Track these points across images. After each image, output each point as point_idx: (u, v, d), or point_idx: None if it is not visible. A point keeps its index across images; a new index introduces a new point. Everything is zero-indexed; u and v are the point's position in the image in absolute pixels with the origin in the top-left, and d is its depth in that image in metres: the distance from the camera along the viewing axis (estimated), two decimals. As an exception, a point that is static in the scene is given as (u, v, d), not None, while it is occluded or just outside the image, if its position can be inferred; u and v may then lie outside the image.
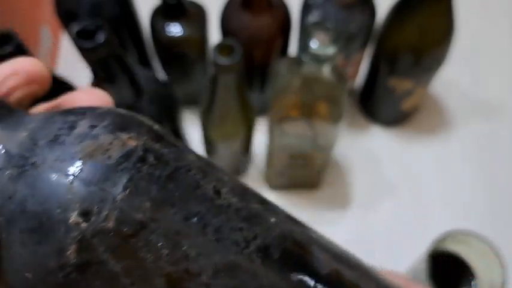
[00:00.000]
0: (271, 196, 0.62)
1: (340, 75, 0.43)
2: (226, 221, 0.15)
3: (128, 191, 0.14)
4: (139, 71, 0.46)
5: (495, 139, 0.66)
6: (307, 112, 0.43)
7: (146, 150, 0.15)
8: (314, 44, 0.37)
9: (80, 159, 0.14)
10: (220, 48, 0.41)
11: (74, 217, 0.14)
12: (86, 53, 0.37)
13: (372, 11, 0.50)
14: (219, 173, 0.17)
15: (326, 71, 0.40)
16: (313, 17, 0.49)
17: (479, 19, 0.75)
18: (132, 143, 0.15)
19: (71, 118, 0.16)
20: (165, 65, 0.60)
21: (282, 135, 0.46)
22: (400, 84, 0.55)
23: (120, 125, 0.16)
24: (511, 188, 0.62)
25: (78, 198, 0.14)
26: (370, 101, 0.65)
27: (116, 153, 0.15)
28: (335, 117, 0.43)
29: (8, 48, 0.40)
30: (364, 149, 0.65)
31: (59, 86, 0.51)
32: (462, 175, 0.63)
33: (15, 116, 0.16)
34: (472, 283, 0.50)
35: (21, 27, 0.53)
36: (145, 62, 0.63)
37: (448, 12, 0.48)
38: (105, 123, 0.16)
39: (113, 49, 0.37)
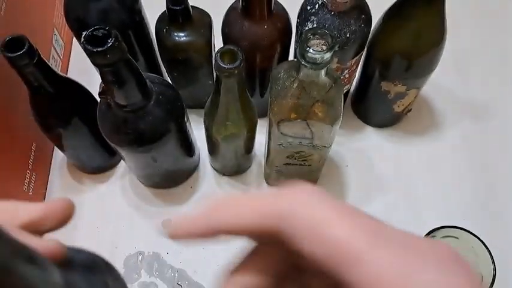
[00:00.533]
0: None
1: (336, 79, 0.44)
2: None
3: None
4: (147, 75, 0.48)
5: (483, 139, 0.68)
6: (305, 114, 0.44)
7: None
8: (311, 50, 0.38)
9: None
10: (223, 53, 0.42)
11: None
12: (95, 58, 0.38)
13: (367, 17, 0.51)
14: None
15: (323, 75, 0.41)
16: (311, 23, 0.50)
17: (469, 23, 0.77)
18: None
19: (104, 278, 0.21)
20: (171, 70, 0.61)
21: (281, 136, 0.47)
22: (393, 88, 0.56)
23: (117, 276, 0.23)
24: (499, 185, 0.64)
25: None
26: (363, 104, 0.66)
27: None
28: (332, 119, 0.44)
29: (20, 53, 0.42)
30: (358, 149, 0.66)
31: (72, 88, 0.53)
32: (452, 173, 0.65)
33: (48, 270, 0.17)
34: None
35: (33, 32, 0.55)
36: (153, 66, 0.64)
37: (440, 17, 0.49)
38: (115, 275, 0.22)
39: (121, 54, 0.39)
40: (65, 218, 0.21)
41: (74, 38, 0.75)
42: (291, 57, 0.59)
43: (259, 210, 0.19)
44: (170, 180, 0.63)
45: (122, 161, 0.66)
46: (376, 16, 0.54)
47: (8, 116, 0.54)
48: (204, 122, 0.53)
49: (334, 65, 0.54)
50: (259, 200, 0.20)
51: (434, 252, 0.18)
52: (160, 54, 0.60)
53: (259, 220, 0.19)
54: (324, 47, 0.38)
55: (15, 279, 0.13)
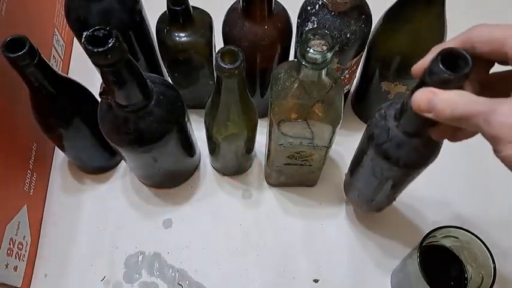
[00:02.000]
0: (271, 193, 0.64)
1: (337, 79, 0.44)
2: None
3: None
4: (148, 75, 0.48)
5: (483, 138, 0.67)
6: (306, 114, 0.44)
7: None
8: (311, 50, 0.38)
9: None
10: (224, 54, 0.42)
11: None
12: (96, 58, 0.38)
13: (367, 18, 0.51)
14: None
15: (323, 75, 0.41)
16: (311, 23, 0.50)
17: (469, 23, 0.76)
18: None
19: None
20: (171, 70, 0.61)
21: (281, 136, 0.48)
22: (393, 88, 0.56)
23: None
24: (499, 185, 0.64)
25: None
26: (363, 104, 0.66)
27: None
28: (332, 119, 0.45)
29: (21, 53, 0.42)
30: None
31: (73, 89, 0.53)
32: (452, 173, 0.65)
33: None
34: (464, 276, 0.51)
35: (33, 33, 0.54)
36: (153, 67, 0.64)
37: (440, 17, 0.49)
38: None
39: (122, 54, 0.39)
40: None
41: (75, 38, 0.75)
42: (291, 57, 0.59)
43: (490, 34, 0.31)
44: (171, 180, 0.63)
45: (122, 161, 0.66)
46: (376, 16, 0.54)
47: (9, 116, 0.54)
48: (205, 122, 0.53)
49: (334, 65, 0.54)
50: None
51: None
52: (160, 55, 0.60)
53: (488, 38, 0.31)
54: (325, 47, 0.38)
55: None
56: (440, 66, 0.30)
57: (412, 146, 0.40)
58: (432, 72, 0.31)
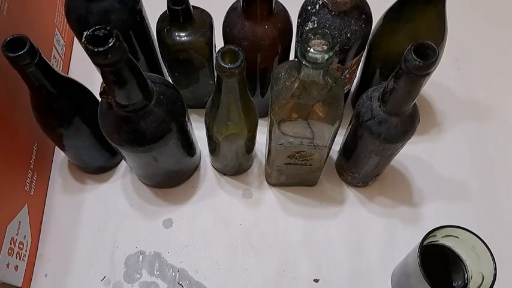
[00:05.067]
0: (272, 192, 0.64)
1: (337, 79, 0.44)
2: None
3: None
4: (148, 75, 0.48)
5: (484, 138, 0.68)
6: (306, 114, 0.44)
7: None
8: (312, 50, 0.38)
9: None
10: (224, 53, 0.42)
11: None
12: (97, 58, 0.38)
13: (367, 17, 0.51)
14: None
15: (323, 75, 0.41)
16: (311, 23, 0.50)
17: (469, 22, 0.77)
18: None
19: None
20: (172, 70, 0.61)
21: (281, 135, 0.48)
22: None
23: None
24: (499, 184, 0.64)
25: None
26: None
27: None
28: (333, 119, 0.45)
29: (21, 53, 0.42)
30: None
31: (73, 88, 0.53)
32: (452, 173, 0.65)
33: None
34: (465, 276, 0.51)
35: (34, 32, 0.55)
36: (154, 66, 0.64)
37: (440, 17, 0.49)
38: None
39: (122, 54, 0.39)
40: None
41: (75, 38, 0.75)
42: (291, 57, 0.59)
43: None
44: (171, 179, 0.63)
45: (122, 161, 0.66)
46: (377, 16, 0.54)
47: (9, 116, 0.54)
48: (205, 121, 0.53)
49: (334, 65, 0.54)
50: None
51: None
52: (161, 54, 0.60)
53: None
54: (325, 47, 0.38)
55: None
56: (413, 55, 0.38)
57: (391, 123, 0.47)
58: (406, 59, 0.39)
